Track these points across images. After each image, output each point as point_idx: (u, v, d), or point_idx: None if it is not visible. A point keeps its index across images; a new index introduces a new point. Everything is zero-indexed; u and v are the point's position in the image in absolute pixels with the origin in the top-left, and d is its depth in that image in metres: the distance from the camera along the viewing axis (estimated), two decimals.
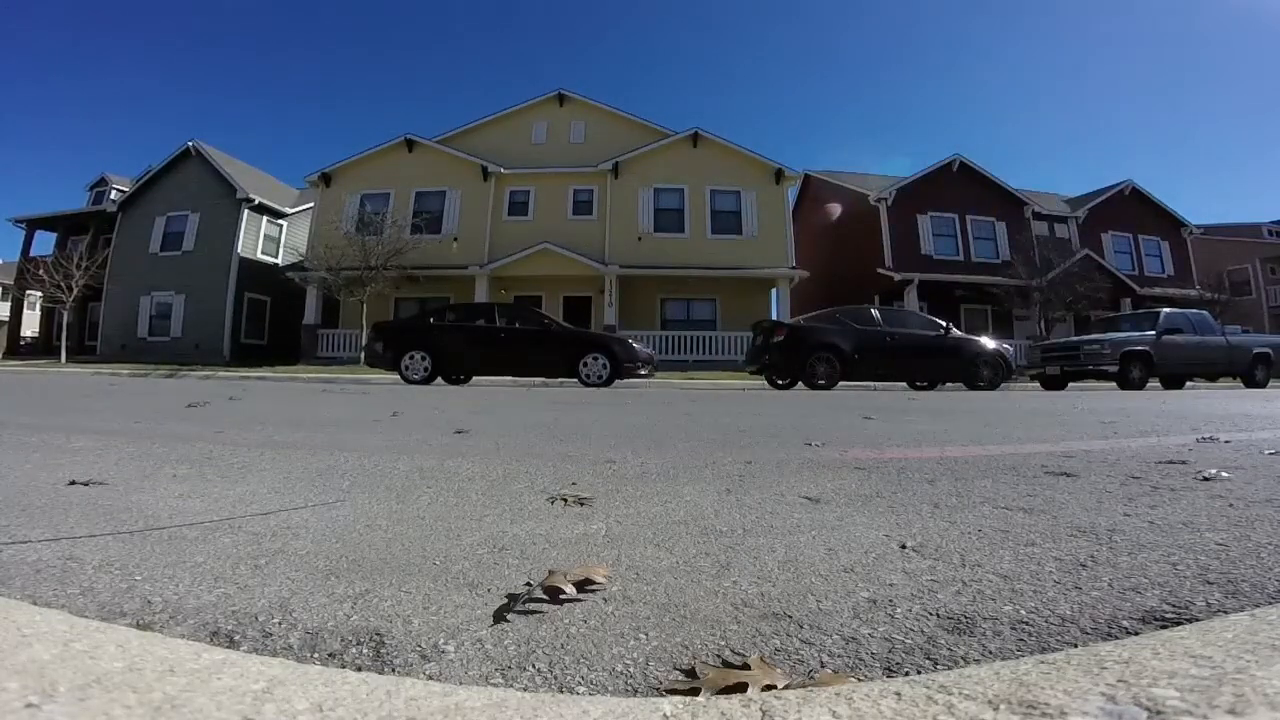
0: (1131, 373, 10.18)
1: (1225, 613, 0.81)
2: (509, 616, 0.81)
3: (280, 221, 22.09)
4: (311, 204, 20.15)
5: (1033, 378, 11.83)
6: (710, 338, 17.42)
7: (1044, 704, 0.51)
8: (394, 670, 0.68)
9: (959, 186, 20.96)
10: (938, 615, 0.83)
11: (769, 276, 18.12)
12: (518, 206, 19.08)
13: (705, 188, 18.83)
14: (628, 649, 0.73)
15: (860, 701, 0.54)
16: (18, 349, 24.46)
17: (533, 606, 0.84)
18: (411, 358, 9.42)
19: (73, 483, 1.59)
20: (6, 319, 26.30)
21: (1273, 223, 30.18)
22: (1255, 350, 11.29)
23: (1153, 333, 10.57)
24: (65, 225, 23.90)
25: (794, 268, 18.13)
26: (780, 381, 9.77)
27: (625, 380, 9.57)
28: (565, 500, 1.50)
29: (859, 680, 0.65)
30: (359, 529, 1.23)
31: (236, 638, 0.74)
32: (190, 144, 20.84)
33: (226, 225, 20.08)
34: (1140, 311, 13.61)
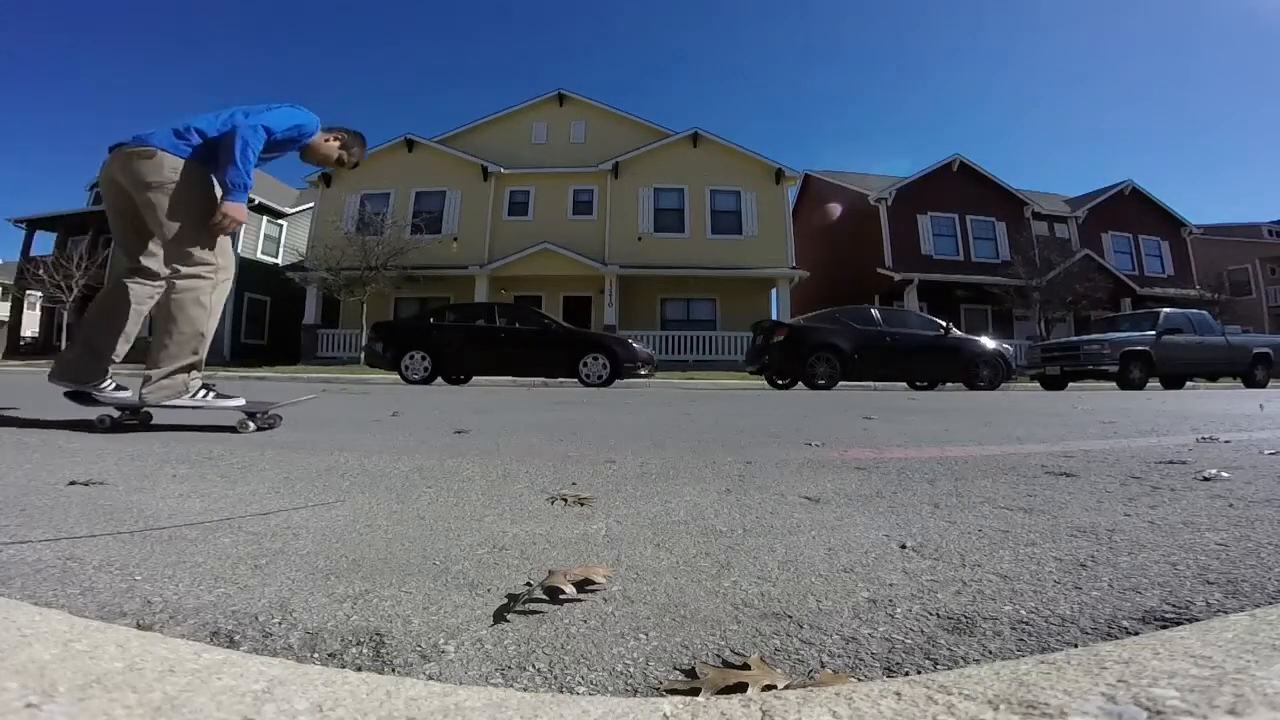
0: (1131, 373, 10.19)
1: (1225, 613, 0.81)
2: (509, 616, 0.81)
3: (280, 221, 22.09)
4: (311, 204, 20.16)
5: (1033, 378, 11.84)
6: (710, 338, 17.43)
7: (1044, 704, 0.51)
8: (394, 670, 0.68)
9: (959, 186, 20.98)
10: (938, 615, 0.83)
11: (769, 276, 18.13)
12: (518, 206, 19.10)
13: (705, 188, 18.85)
14: (628, 649, 0.73)
15: (860, 701, 0.54)
16: (18, 349, 24.46)
17: (533, 606, 0.84)
18: (411, 358, 9.43)
19: (73, 483, 1.59)
20: (6, 319, 26.29)
21: (1273, 223, 30.20)
22: (1255, 350, 11.30)
23: (1153, 333, 10.58)
24: (65, 225, 23.88)
25: (794, 268, 18.14)
26: (780, 381, 9.77)
27: (625, 380, 9.57)
28: (565, 500, 1.50)
29: (859, 680, 0.65)
30: (359, 529, 1.23)
31: (236, 638, 0.74)
32: None
33: None
34: (1140, 311, 13.62)
